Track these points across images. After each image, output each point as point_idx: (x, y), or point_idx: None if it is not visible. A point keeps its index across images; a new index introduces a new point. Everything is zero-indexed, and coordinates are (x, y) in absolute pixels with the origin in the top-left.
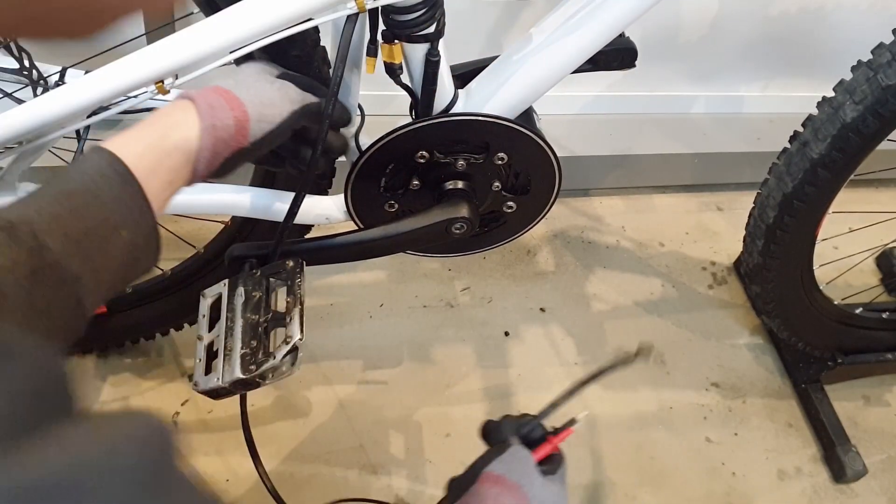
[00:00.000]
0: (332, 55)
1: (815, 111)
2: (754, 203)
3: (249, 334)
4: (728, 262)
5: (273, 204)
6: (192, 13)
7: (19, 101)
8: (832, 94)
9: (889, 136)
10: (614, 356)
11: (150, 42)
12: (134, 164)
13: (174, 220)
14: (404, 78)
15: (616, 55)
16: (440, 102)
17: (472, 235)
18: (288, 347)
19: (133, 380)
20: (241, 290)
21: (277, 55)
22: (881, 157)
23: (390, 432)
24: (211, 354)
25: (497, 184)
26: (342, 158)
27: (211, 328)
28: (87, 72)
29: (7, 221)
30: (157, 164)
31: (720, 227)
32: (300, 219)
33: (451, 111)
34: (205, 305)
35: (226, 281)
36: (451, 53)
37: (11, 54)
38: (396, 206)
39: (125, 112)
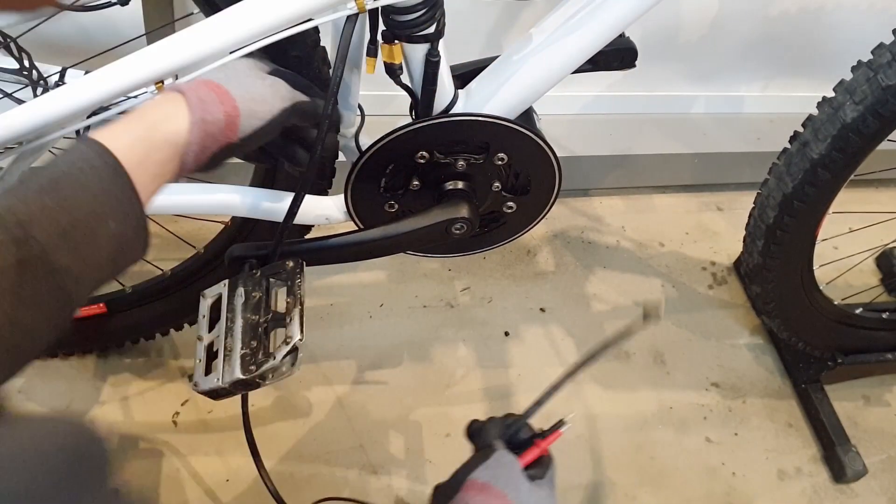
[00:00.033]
0: (331, 55)
1: (815, 111)
2: (754, 203)
3: (249, 335)
4: (728, 262)
5: (273, 204)
6: (192, 13)
7: (19, 102)
8: (832, 94)
9: (889, 137)
10: (623, 326)
11: (150, 42)
12: (123, 156)
13: (174, 220)
14: (404, 78)
15: (616, 55)
16: (440, 103)
17: (472, 236)
18: (288, 348)
19: (133, 380)
20: (241, 290)
21: (277, 55)
22: (881, 157)
23: (390, 432)
24: (211, 355)
25: (497, 184)
26: (342, 158)
27: (211, 328)
28: (87, 72)
29: None
30: (146, 157)
31: (720, 227)
32: (300, 219)
33: (451, 111)
34: (205, 306)
35: (226, 281)
36: (451, 54)
37: (11, 54)
38: (396, 206)
39: (125, 112)
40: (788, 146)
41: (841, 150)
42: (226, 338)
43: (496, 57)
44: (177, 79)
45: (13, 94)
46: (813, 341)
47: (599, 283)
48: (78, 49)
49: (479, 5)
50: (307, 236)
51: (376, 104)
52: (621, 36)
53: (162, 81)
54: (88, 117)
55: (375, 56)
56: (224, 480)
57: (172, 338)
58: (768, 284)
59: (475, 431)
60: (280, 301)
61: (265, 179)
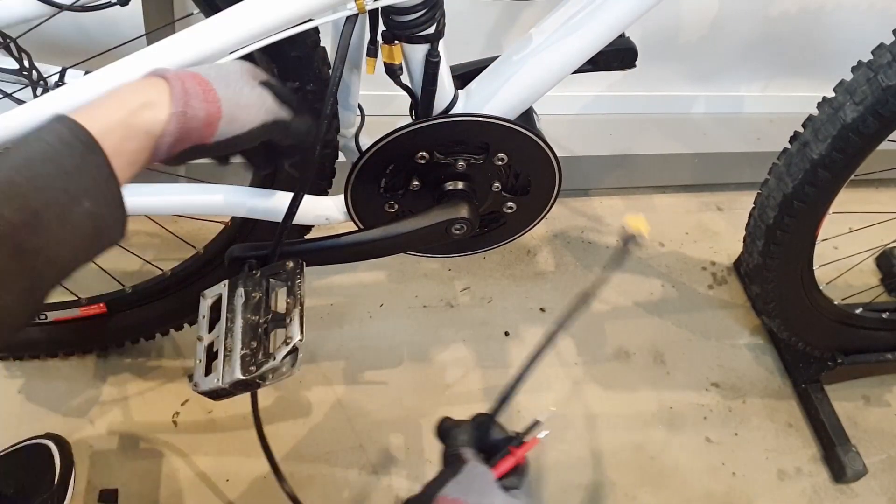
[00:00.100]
0: (331, 56)
1: (815, 111)
2: (754, 203)
3: (249, 335)
4: (728, 262)
5: (272, 204)
6: (192, 14)
7: (19, 102)
8: (832, 94)
9: (889, 137)
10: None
11: (150, 42)
12: (99, 139)
13: (174, 220)
14: (404, 78)
15: (616, 55)
16: (440, 103)
17: (472, 236)
18: (288, 348)
19: (133, 380)
20: (240, 290)
21: (277, 56)
22: (881, 157)
23: (390, 432)
24: (211, 355)
25: (497, 184)
26: (342, 158)
27: (211, 329)
28: (86, 72)
29: None
30: (122, 144)
31: (720, 227)
32: (300, 219)
33: (451, 112)
34: (205, 306)
35: (226, 282)
36: (451, 54)
37: (11, 54)
38: (396, 206)
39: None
40: (788, 146)
41: (841, 150)
42: (226, 338)
43: (496, 57)
44: None
45: (13, 94)
46: (813, 341)
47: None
48: (78, 49)
49: (479, 6)
50: (307, 236)
51: (376, 104)
52: (621, 36)
53: None
54: None
55: (375, 56)
56: (224, 480)
57: (172, 338)
58: (768, 284)
59: (445, 431)
60: (280, 301)
61: (265, 180)
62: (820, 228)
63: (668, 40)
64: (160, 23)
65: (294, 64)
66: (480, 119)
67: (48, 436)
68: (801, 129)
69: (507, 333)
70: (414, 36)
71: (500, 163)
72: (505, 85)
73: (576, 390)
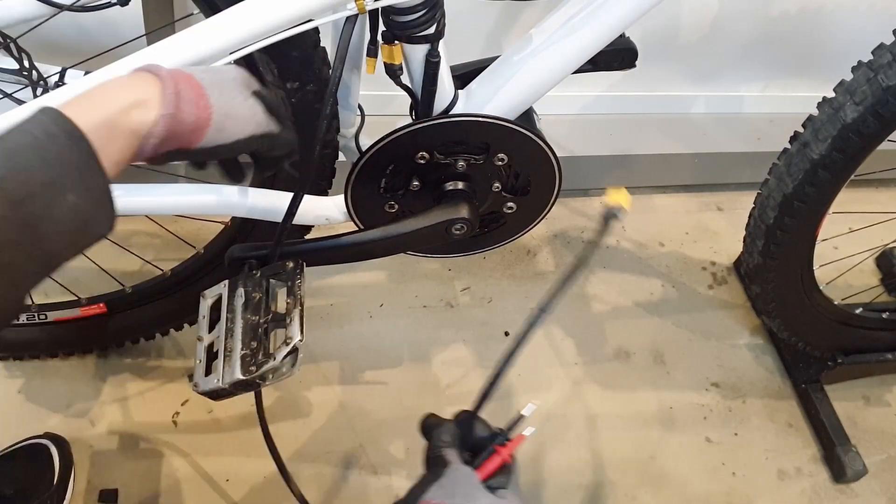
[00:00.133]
0: (332, 56)
1: (815, 111)
2: (754, 203)
3: (249, 335)
4: (728, 262)
5: (272, 204)
6: (192, 14)
7: (19, 102)
8: (832, 94)
9: (889, 137)
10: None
11: (150, 42)
12: (86, 133)
13: (174, 220)
14: (404, 79)
15: (616, 55)
16: (440, 103)
17: (472, 236)
18: (288, 348)
19: (133, 380)
20: (241, 290)
21: (278, 56)
22: (881, 157)
23: (390, 432)
24: (211, 355)
25: (497, 184)
26: (342, 158)
27: (211, 329)
28: (86, 72)
29: None
30: (108, 142)
31: (720, 227)
32: (300, 219)
33: (452, 112)
34: (205, 306)
35: (226, 282)
36: (451, 54)
37: (11, 55)
38: (396, 206)
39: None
40: (788, 146)
41: (841, 150)
42: (226, 338)
43: (496, 57)
44: None
45: (13, 95)
46: (813, 341)
47: (599, 284)
48: (78, 49)
49: (479, 6)
50: (307, 237)
51: (376, 104)
52: (621, 36)
53: None
54: None
55: (375, 56)
56: (224, 480)
57: (172, 338)
58: (768, 284)
59: (429, 428)
60: (280, 301)
61: (265, 180)
62: (820, 228)
63: (668, 40)
64: (160, 23)
65: (294, 64)
66: (480, 119)
67: (47, 435)
68: (801, 129)
69: (507, 333)
70: (414, 36)
71: (500, 163)
72: (505, 85)
73: (576, 390)
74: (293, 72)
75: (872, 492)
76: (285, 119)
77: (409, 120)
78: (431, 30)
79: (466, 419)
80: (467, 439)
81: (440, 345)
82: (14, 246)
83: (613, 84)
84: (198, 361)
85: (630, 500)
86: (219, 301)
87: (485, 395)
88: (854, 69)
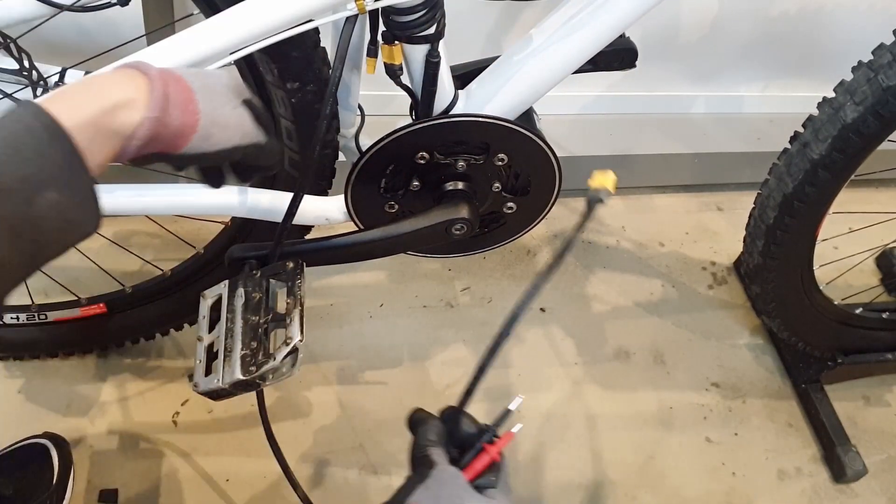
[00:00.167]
0: (332, 56)
1: (815, 111)
2: (754, 203)
3: (249, 335)
4: (728, 262)
5: (272, 205)
6: (192, 14)
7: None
8: (833, 94)
9: (889, 137)
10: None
11: (150, 42)
12: (69, 129)
13: (174, 220)
14: (404, 79)
15: (616, 55)
16: (440, 103)
17: (472, 236)
18: (288, 349)
19: (133, 380)
20: (241, 291)
21: (278, 56)
22: (881, 157)
23: (390, 432)
24: (211, 355)
25: (497, 185)
26: (342, 158)
27: (211, 329)
28: (86, 73)
29: None
30: (91, 141)
31: (720, 227)
32: (300, 219)
33: (452, 112)
34: (205, 306)
35: (226, 282)
36: (451, 54)
37: (11, 55)
38: (396, 206)
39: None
40: (789, 146)
41: (841, 150)
42: (226, 338)
43: (496, 57)
44: None
45: (13, 95)
46: (813, 341)
47: (599, 284)
48: (78, 49)
49: (479, 6)
50: (307, 237)
51: (376, 104)
52: (621, 36)
53: None
54: None
55: (375, 56)
56: (224, 480)
57: (172, 338)
58: (768, 284)
59: (415, 424)
60: (280, 302)
61: (265, 180)
62: (820, 228)
63: (668, 40)
64: (160, 23)
65: (294, 64)
66: (480, 119)
67: (45, 435)
68: (801, 130)
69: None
70: (414, 36)
71: (500, 163)
72: (505, 85)
73: (576, 390)
74: (293, 72)
75: (872, 492)
76: (272, 130)
77: (409, 120)
78: (431, 30)
79: (452, 415)
80: (454, 436)
81: (440, 345)
82: None
83: (613, 84)
84: (198, 361)
85: (630, 500)
86: (219, 301)
87: (470, 391)
88: (854, 69)
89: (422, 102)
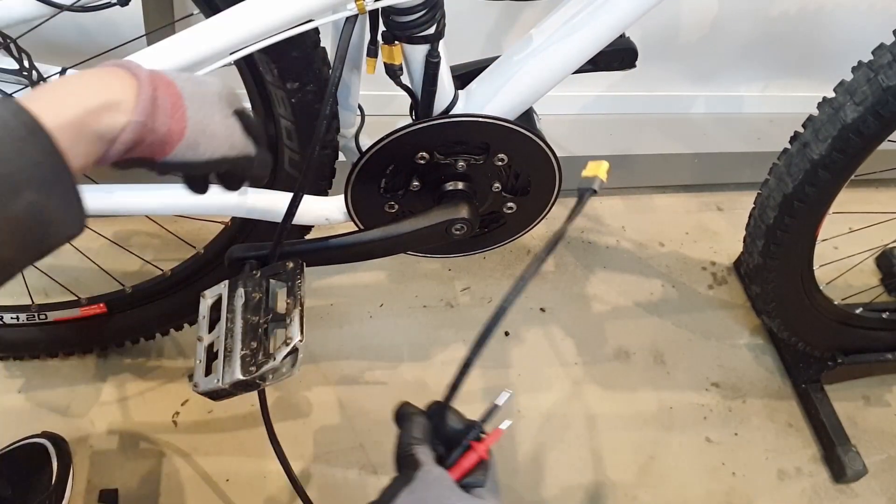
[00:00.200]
0: (332, 56)
1: (815, 111)
2: (754, 203)
3: (249, 335)
4: (728, 262)
5: (272, 205)
6: (192, 14)
7: None
8: (833, 94)
9: (889, 137)
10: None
11: (150, 42)
12: (51, 129)
13: (174, 221)
14: (404, 79)
15: (616, 55)
16: (440, 103)
17: (472, 236)
18: (288, 349)
19: (133, 380)
20: (241, 291)
21: (278, 56)
22: (881, 157)
23: (390, 432)
24: (211, 355)
25: (497, 185)
26: (342, 158)
27: (211, 329)
28: None
29: None
30: (74, 143)
31: (720, 227)
32: (300, 220)
33: (452, 112)
34: (205, 306)
35: (226, 282)
36: (451, 54)
37: (11, 55)
38: (396, 206)
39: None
40: (789, 146)
41: (841, 150)
42: (226, 338)
43: (496, 57)
44: None
45: (13, 95)
46: (813, 341)
47: (599, 284)
48: (78, 49)
49: (479, 6)
50: (307, 237)
51: (376, 104)
52: (621, 36)
53: None
54: None
55: (375, 56)
56: (224, 480)
57: (172, 338)
58: (768, 284)
59: (401, 418)
60: (280, 302)
61: None
62: (820, 228)
63: (668, 40)
64: (160, 23)
65: (294, 64)
66: (480, 119)
67: (45, 435)
68: (801, 130)
69: (507, 333)
70: (414, 36)
71: (500, 163)
72: (505, 85)
73: (576, 390)
74: (293, 72)
75: (872, 492)
76: (263, 142)
77: (409, 120)
78: (431, 30)
79: (438, 410)
80: (440, 431)
81: (440, 345)
82: None
83: (613, 84)
84: (198, 361)
85: (630, 500)
86: (219, 301)
87: (456, 384)
88: (854, 69)
89: (422, 102)
